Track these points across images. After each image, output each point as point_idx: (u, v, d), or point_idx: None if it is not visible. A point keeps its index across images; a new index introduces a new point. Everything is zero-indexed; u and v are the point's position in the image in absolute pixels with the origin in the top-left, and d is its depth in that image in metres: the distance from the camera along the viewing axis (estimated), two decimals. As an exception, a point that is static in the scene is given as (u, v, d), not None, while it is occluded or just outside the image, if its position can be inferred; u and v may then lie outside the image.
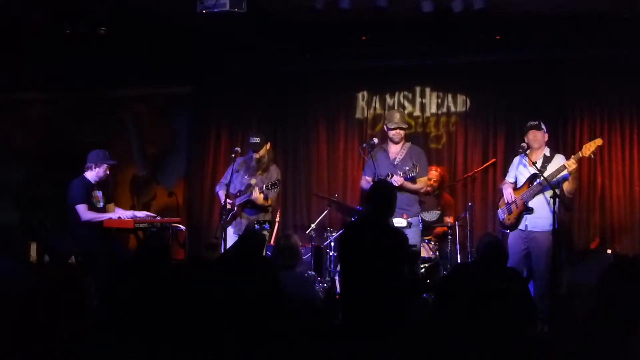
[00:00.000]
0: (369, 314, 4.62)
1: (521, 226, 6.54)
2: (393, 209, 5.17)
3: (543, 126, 6.60)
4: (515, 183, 6.75)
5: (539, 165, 6.45)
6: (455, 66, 8.44)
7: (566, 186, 6.47)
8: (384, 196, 5.11)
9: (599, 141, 6.48)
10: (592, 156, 6.49)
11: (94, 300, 3.62)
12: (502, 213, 6.70)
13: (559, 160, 6.50)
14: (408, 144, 7.11)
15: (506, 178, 6.94)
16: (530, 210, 6.47)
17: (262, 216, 7.24)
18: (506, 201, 6.65)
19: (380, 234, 4.88)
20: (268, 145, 7.28)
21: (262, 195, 6.99)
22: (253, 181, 7.13)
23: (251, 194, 6.96)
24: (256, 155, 7.11)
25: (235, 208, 7.06)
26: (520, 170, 6.71)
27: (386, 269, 4.73)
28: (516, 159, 6.85)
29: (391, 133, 7.01)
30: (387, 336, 4.17)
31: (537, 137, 6.56)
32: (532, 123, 6.61)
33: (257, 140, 7.13)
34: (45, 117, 9.65)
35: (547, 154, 6.60)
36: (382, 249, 4.79)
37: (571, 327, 5.60)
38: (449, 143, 8.46)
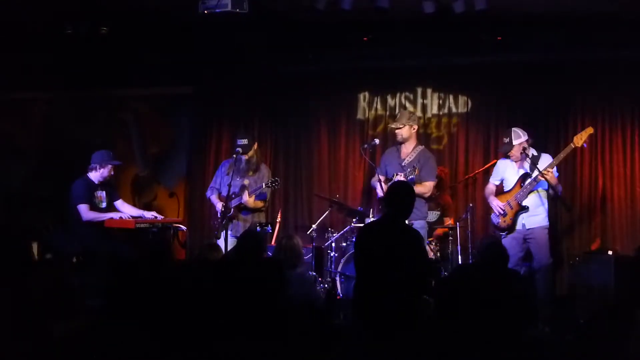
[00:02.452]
0: (385, 312, 4.61)
1: (519, 226, 6.63)
2: (411, 209, 5.14)
3: (516, 141, 6.66)
4: (501, 185, 6.87)
5: (527, 165, 6.63)
6: (456, 67, 8.43)
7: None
8: (400, 196, 5.09)
9: (589, 130, 6.63)
10: (585, 145, 6.63)
11: (95, 300, 3.62)
12: (495, 217, 6.80)
13: (546, 159, 6.64)
14: (420, 147, 7.09)
15: (490, 180, 7.03)
16: (525, 209, 6.58)
17: (256, 216, 7.27)
18: (495, 211, 6.77)
19: (399, 234, 4.89)
20: (255, 146, 7.33)
21: (252, 198, 7.09)
22: (246, 182, 7.16)
23: (242, 197, 7.02)
24: (245, 157, 7.13)
25: (232, 210, 7.09)
26: (507, 174, 6.81)
27: (405, 269, 4.74)
28: (501, 162, 6.96)
29: (393, 133, 7.06)
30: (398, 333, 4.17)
31: (515, 153, 6.70)
32: (507, 140, 6.71)
33: (245, 142, 7.18)
34: (47, 116, 9.65)
35: (535, 153, 6.73)
36: (400, 249, 4.80)
37: (572, 328, 5.61)
38: (450, 144, 8.46)
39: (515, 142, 6.67)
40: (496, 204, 6.76)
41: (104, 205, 7.14)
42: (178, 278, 3.64)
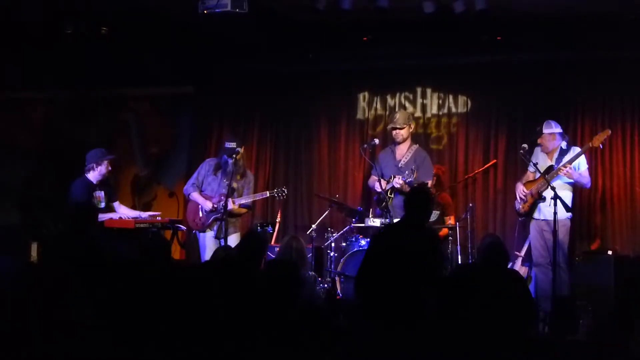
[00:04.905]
0: (395, 316, 4.56)
1: (536, 215, 6.82)
2: (429, 213, 5.15)
3: (545, 130, 6.84)
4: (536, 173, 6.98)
5: (555, 157, 6.79)
6: (456, 67, 8.43)
7: (583, 172, 6.80)
8: (420, 201, 5.05)
9: (607, 132, 6.90)
10: (601, 146, 6.91)
11: (95, 300, 3.62)
12: (517, 203, 6.98)
13: (575, 152, 6.76)
14: (415, 147, 7.11)
15: (528, 168, 7.12)
16: (543, 198, 6.69)
17: (238, 220, 7.28)
18: (517, 197, 6.95)
19: (418, 238, 4.84)
20: (242, 149, 7.29)
21: (237, 206, 7.03)
22: (235, 185, 7.13)
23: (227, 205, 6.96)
24: (232, 160, 7.10)
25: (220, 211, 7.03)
26: (539, 162, 6.88)
27: (420, 272, 4.68)
28: (536, 150, 7.03)
29: (392, 133, 7.07)
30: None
31: (544, 142, 6.88)
32: (538, 129, 6.93)
33: (233, 145, 7.13)
34: (47, 117, 9.66)
35: (564, 147, 6.86)
36: (418, 253, 4.75)
37: (572, 328, 5.61)
38: (449, 144, 8.45)
39: (545, 131, 6.84)
40: (519, 190, 6.94)
41: (102, 205, 7.13)
42: (177, 278, 3.64)
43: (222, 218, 6.79)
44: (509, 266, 6.13)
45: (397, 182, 6.66)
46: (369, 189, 8.01)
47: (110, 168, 7.16)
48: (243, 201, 7.09)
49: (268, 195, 7.16)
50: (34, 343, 2.86)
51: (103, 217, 7.01)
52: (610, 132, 6.98)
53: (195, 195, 7.19)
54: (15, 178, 9.31)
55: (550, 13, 7.02)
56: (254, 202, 7.56)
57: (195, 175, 7.33)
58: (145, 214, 7.36)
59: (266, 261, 5.52)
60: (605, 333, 3.63)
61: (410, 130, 7.08)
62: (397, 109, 8.47)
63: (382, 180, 6.88)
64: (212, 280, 3.78)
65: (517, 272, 5.83)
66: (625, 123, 7.86)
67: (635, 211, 7.72)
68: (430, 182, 7.02)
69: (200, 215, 7.13)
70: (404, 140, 7.02)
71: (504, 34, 7.64)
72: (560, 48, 7.87)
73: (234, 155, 6.98)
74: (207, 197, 7.14)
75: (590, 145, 6.78)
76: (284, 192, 7.19)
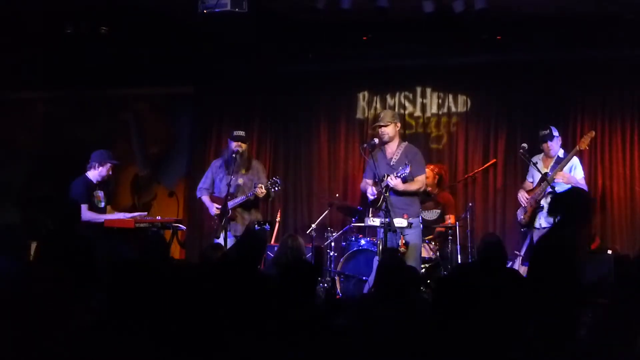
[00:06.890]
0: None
1: (536, 224, 6.84)
2: (586, 220, 4.72)
3: (555, 134, 6.94)
4: (533, 183, 7.05)
5: (551, 165, 6.84)
6: (456, 66, 8.44)
7: (580, 180, 6.81)
8: (577, 206, 4.58)
9: (591, 133, 7.03)
10: (587, 147, 7.01)
11: (94, 300, 3.62)
12: (520, 213, 7.03)
13: (572, 160, 6.82)
14: (404, 144, 7.06)
15: (527, 178, 7.20)
16: (541, 208, 6.72)
17: (254, 214, 7.22)
18: (521, 204, 6.98)
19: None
20: (244, 146, 7.24)
21: (265, 191, 6.99)
22: (240, 181, 7.11)
23: (252, 194, 6.98)
24: (239, 150, 7.06)
25: (230, 212, 7.00)
26: (534, 171, 6.96)
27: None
28: (534, 157, 7.06)
29: (378, 132, 7.00)
30: None
31: (549, 148, 6.96)
32: (543, 133, 6.98)
33: (242, 133, 7.19)
34: (47, 116, 9.66)
35: (561, 155, 6.91)
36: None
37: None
38: (449, 143, 8.46)
39: (554, 134, 6.93)
40: (522, 196, 7.00)
41: (102, 204, 7.13)
42: (176, 277, 3.65)
43: (224, 216, 6.79)
44: (508, 266, 6.14)
45: (391, 181, 6.60)
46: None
47: (110, 172, 7.16)
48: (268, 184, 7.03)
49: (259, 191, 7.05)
50: (34, 343, 2.86)
51: (101, 217, 7.00)
52: (594, 133, 7.12)
53: (204, 199, 7.32)
54: (15, 178, 9.31)
55: (550, 13, 7.02)
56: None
57: (204, 179, 7.42)
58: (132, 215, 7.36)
59: (285, 263, 5.51)
60: (605, 333, 3.63)
61: (397, 128, 6.97)
62: (397, 109, 8.48)
63: (372, 187, 6.85)
64: (212, 281, 3.78)
65: (517, 272, 5.83)
66: (625, 123, 7.87)
67: (635, 211, 7.73)
68: (424, 175, 6.98)
69: (215, 218, 7.15)
70: (391, 139, 6.92)
71: (504, 34, 7.64)
72: (559, 48, 7.87)
73: (234, 155, 6.99)
74: (215, 200, 7.19)
75: (578, 148, 6.85)
76: (277, 182, 7.02)
